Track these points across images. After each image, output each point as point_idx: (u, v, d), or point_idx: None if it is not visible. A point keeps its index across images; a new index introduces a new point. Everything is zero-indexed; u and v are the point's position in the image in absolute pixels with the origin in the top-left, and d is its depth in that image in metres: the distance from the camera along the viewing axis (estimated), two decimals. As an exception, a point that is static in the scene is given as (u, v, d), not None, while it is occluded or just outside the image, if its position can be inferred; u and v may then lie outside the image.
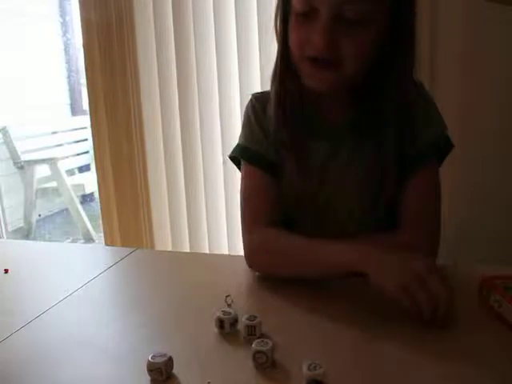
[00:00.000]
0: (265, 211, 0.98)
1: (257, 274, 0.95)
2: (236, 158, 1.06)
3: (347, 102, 0.98)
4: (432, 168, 0.96)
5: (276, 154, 1.00)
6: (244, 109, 1.08)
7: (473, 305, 0.79)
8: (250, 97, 1.08)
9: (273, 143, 1.00)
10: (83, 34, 2.02)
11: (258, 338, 0.70)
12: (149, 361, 0.64)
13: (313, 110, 0.99)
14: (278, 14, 0.94)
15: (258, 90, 1.80)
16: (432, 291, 0.71)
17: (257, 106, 1.04)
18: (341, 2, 0.83)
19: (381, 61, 0.91)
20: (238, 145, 1.06)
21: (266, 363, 0.65)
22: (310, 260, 0.87)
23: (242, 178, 1.04)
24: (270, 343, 0.66)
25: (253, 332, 0.72)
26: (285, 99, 0.96)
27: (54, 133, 4.77)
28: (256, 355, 0.65)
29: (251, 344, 0.66)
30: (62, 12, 5.17)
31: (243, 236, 0.99)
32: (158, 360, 0.64)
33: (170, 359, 0.65)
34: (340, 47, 0.85)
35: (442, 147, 0.97)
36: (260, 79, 1.83)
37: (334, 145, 0.98)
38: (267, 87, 1.02)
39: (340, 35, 0.85)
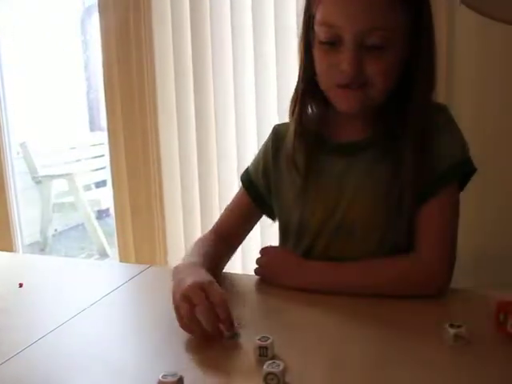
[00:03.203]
0: (226, 226, 1.09)
1: (270, 293, 0.95)
2: None
3: (366, 120, 0.98)
4: (451, 191, 0.95)
5: (267, 191, 1.07)
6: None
7: (489, 329, 0.77)
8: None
9: (269, 181, 1.06)
10: (103, 52, 2.05)
11: (270, 359, 0.69)
12: (159, 380, 0.64)
13: (331, 128, 1.01)
14: (301, 41, 0.97)
15: (274, 111, 1.83)
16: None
17: (272, 139, 1.08)
18: (366, 29, 0.86)
19: (402, 79, 0.93)
20: (247, 166, 1.13)
21: (277, 385, 0.64)
22: None
23: (236, 193, 1.13)
24: (282, 365, 0.65)
25: (265, 353, 0.71)
26: (304, 121, 0.99)
27: (73, 148, 4.82)
28: (267, 377, 0.65)
29: (263, 365, 0.66)
30: (84, 30, 5.26)
31: None
32: (169, 379, 0.63)
33: (181, 379, 0.64)
34: (367, 71, 0.88)
35: (464, 172, 0.96)
36: (277, 100, 1.83)
37: (351, 161, 0.98)
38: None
39: (366, 60, 0.88)
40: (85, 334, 0.83)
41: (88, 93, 5.35)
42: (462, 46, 1.59)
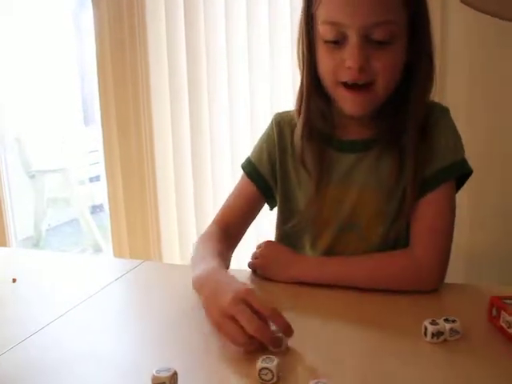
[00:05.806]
0: (234, 214, 1.06)
1: (261, 288, 0.95)
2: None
3: (369, 119, 0.98)
4: (448, 188, 0.96)
5: (273, 179, 1.06)
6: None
7: (483, 324, 0.78)
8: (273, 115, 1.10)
9: (274, 169, 1.05)
10: (96, 46, 2.04)
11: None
12: (153, 375, 0.63)
13: (336, 126, 1.00)
14: (303, 40, 0.95)
15: (268, 109, 1.83)
16: (242, 327, 0.71)
17: (275, 128, 1.06)
18: (369, 24, 0.85)
19: (402, 80, 0.93)
20: (247, 156, 1.10)
21: (271, 380, 0.64)
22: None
23: (237, 183, 1.10)
24: (276, 360, 0.65)
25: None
26: (311, 121, 0.98)
27: (67, 143, 4.79)
28: (261, 372, 0.65)
29: (257, 360, 0.66)
30: (77, 24, 5.23)
31: None
32: (163, 374, 0.63)
33: (175, 374, 0.64)
34: (372, 69, 0.88)
35: (462, 172, 0.97)
36: (270, 94, 1.83)
37: (357, 158, 0.99)
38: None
39: (372, 56, 0.87)
40: (78, 329, 0.82)
41: (82, 87, 5.32)
42: (456, 45, 1.59)
